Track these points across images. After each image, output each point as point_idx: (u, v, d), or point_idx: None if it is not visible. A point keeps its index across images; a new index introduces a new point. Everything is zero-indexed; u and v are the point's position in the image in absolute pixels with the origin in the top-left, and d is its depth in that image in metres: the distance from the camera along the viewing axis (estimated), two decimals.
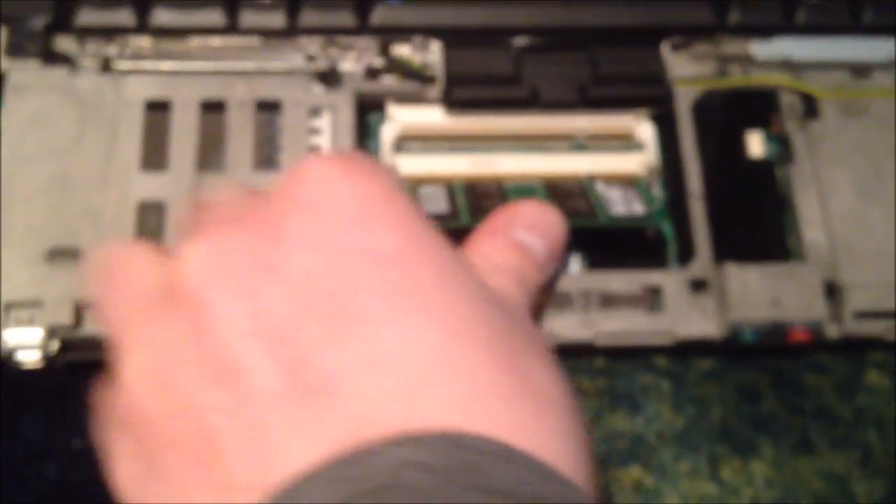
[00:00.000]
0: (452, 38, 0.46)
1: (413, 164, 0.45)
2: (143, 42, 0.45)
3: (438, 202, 0.43)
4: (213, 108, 0.43)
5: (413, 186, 0.44)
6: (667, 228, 0.45)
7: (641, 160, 0.46)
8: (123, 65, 0.44)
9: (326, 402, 0.19)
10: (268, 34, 0.45)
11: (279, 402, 0.19)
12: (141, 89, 0.43)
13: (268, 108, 0.43)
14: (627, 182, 0.45)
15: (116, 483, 0.22)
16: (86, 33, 0.44)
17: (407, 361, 0.19)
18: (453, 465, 0.17)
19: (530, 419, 0.19)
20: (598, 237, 0.43)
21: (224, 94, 0.43)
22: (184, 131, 0.42)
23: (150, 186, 0.41)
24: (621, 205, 0.43)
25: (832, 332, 0.42)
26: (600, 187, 0.45)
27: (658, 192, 0.45)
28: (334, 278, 0.20)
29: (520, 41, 0.46)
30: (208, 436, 0.19)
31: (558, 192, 0.44)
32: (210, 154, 0.42)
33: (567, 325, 0.41)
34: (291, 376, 0.19)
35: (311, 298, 0.20)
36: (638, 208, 0.43)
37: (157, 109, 0.42)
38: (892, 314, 0.42)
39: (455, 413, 0.18)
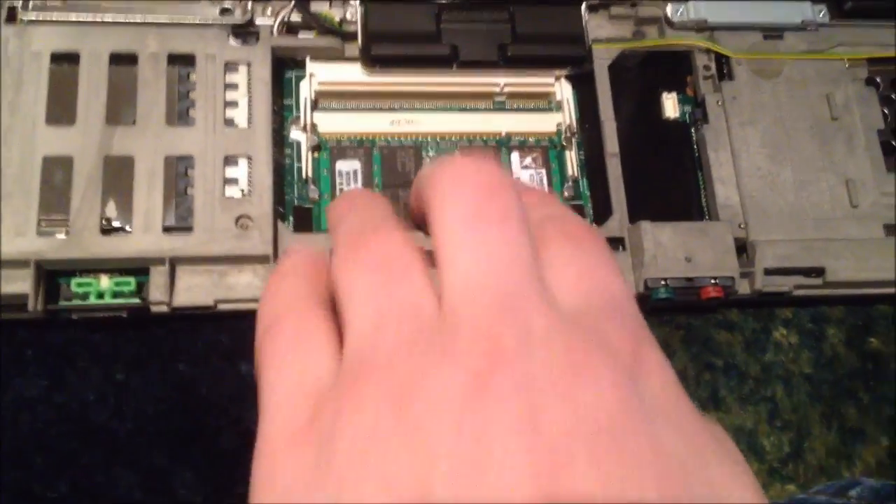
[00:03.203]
0: None
1: (332, 122, 0.45)
2: None
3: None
4: (123, 61, 0.41)
5: (332, 156, 0.44)
6: (583, 188, 0.45)
7: (559, 120, 0.46)
8: (30, 15, 0.42)
9: None
10: None
11: None
12: (48, 41, 0.41)
13: (181, 61, 0.42)
14: (542, 151, 0.45)
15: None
16: None
17: None
18: None
19: None
20: None
21: (135, 46, 0.42)
22: (93, 84, 0.40)
23: (57, 141, 0.39)
24: None
25: (743, 288, 0.43)
26: (514, 160, 0.45)
27: (574, 153, 0.45)
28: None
29: None
30: None
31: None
32: (120, 108, 0.41)
33: None
34: None
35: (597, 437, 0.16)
36: None
37: (65, 62, 0.41)
38: (800, 271, 0.43)
39: None
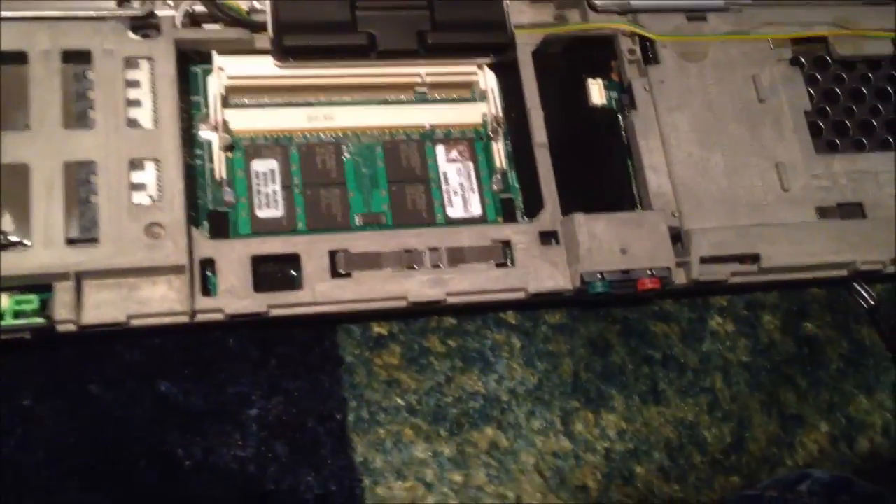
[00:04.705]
0: None
1: (244, 120, 0.42)
2: None
3: (273, 192, 0.41)
4: (12, 60, 0.38)
5: (246, 156, 0.41)
6: (512, 180, 0.44)
7: (484, 110, 0.44)
8: None
9: None
10: None
11: None
12: None
13: (76, 59, 0.39)
14: (468, 143, 0.44)
15: None
16: None
17: None
18: None
19: None
20: None
21: (24, 43, 0.38)
22: None
23: None
24: (459, 197, 0.42)
25: (680, 278, 0.42)
26: (440, 154, 0.43)
27: (501, 144, 0.44)
28: None
29: None
30: None
31: (396, 159, 0.43)
32: (11, 112, 0.37)
33: (416, 285, 0.39)
34: None
35: None
36: (475, 207, 0.42)
37: None
38: (735, 258, 0.42)
39: None
